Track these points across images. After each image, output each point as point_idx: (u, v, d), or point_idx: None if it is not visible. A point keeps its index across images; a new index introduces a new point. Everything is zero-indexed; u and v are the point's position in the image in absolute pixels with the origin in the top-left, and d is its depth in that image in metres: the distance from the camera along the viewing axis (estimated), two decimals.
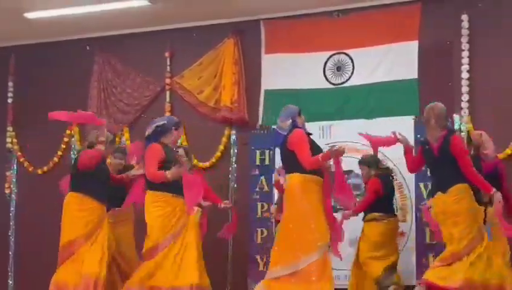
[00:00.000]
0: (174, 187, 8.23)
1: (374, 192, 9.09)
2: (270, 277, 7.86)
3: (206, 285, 8.24)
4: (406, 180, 9.64)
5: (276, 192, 9.93)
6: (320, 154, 7.77)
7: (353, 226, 9.04)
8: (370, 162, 9.31)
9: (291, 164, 7.88)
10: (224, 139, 10.76)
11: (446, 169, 7.80)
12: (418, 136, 9.45)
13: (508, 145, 9.33)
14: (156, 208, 8.25)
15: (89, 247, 8.70)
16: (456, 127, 9.49)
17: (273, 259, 7.96)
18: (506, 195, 8.11)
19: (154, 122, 8.48)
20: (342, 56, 10.29)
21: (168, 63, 11.18)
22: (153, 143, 8.33)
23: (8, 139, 11.97)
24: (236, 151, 10.68)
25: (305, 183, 7.80)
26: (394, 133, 8.20)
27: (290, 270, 7.71)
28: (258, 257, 10.24)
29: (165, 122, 8.53)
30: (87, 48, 11.60)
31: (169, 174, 8.15)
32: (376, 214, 9.10)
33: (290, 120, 7.99)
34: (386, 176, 9.26)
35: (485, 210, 7.97)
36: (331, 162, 7.94)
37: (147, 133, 8.42)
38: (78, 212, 8.83)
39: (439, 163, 7.89)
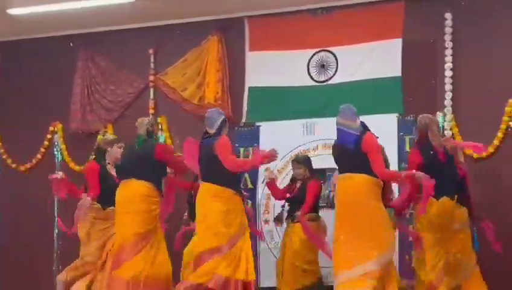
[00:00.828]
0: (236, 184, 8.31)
1: (315, 196, 9.26)
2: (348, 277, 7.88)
3: None
4: None
5: (263, 190, 9.97)
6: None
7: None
8: (306, 162, 9.45)
9: (362, 165, 7.91)
10: None
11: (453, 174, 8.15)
12: (401, 133, 9.49)
13: (491, 143, 9.35)
14: (219, 203, 8.17)
15: None
16: (440, 125, 9.51)
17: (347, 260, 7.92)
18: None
19: (215, 118, 8.46)
20: (326, 54, 10.30)
21: (152, 60, 11.16)
22: (223, 136, 8.33)
23: None
24: None
25: (372, 185, 7.89)
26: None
27: (368, 269, 7.78)
28: None
29: (224, 116, 8.57)
30: (71, 44, 11.58)
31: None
32: (312, 214, 9.24)
33: (359, 121, 8.10)
34: (319, 179, 9.47)
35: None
36: None
37: (215, 129, 8.39)
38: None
39: (446, 168, 8.10)
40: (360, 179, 7.86)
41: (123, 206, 8.53)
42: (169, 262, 8.59)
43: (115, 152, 9.14)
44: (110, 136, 9.34)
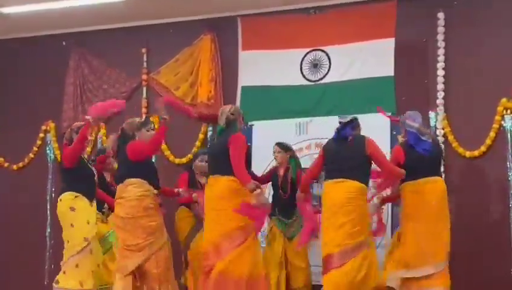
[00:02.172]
0: None
1: None
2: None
3: None
4: None
5: None
6: None
7: None
8: (288, 148, 9.57)
9: (438, 168, 8.37)
10: (201, 136, 10.76)
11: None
12: (394, 133, 9.50)
13: (483, 143, 9.38)
14: None
15: None
16: (432, 124, 9.55)
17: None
18: None
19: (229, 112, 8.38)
20: (319, 53, 10.31)
21: (145, 59, 11.16)
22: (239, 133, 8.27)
23: None
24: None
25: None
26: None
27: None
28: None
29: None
30: (63, 43, 11.56)
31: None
32: None
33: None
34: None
35: None
36: None
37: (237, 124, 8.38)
38: None
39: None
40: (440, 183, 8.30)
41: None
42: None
43: (146, 136, 8.60)
44: (136, 119, 9.02)
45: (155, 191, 8.34)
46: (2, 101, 11.83)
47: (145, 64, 11.16)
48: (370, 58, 9.98)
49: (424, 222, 8.13)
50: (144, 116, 10.29)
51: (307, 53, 10.36)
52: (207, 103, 10.53)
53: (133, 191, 8.25)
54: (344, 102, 10.02)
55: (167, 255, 8.42)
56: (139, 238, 8.21)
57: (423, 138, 8.30)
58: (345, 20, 10.15)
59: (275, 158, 9.54)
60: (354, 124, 8.28)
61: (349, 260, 7.83)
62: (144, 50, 11.15)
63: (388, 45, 9.88)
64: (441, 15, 9.75)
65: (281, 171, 9.42)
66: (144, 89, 11.14)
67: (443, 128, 9.55)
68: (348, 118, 8.26)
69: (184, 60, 10.89)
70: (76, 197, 8.39)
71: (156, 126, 10.61)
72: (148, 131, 8.59)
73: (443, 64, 9.71)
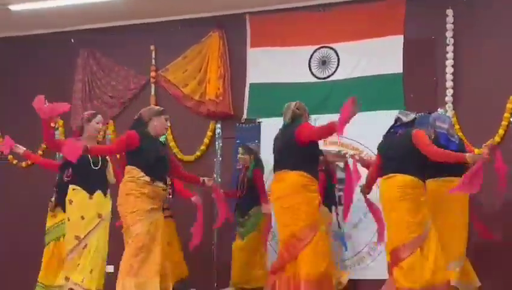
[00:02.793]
0: None
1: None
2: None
3: None
4: None
5: None
6: None
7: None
8: (251, 149, 9.82)
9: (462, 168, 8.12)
10: (209, 133, 10.77)
11: None
12: None
13: (492, 139, 9.36)
14: None
15: None
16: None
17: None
18: None
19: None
20: (327, 50, 10.31)
21: (153, 56, 11.17)
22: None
23: None
24: (221, 144, 10.68)
25: None
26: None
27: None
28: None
29: None
30: (72, 40, 11.57)
31: None
32: None
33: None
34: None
35: None
36: None
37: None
38: None
39: None
40: None
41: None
42: None
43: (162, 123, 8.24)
44: (154, 106, 9.02)
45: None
46: (11, 99, 11.85)
47: (153, 61, 11.17)
48: (378, 56, 9.99)
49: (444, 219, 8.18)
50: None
51: (316, 50, 10.37)
52: (215, 100, 10.53)
53: None
54: None
55: None
56: None
57: (452, 139, 8.34)
58: (353, 17, 10.16)
59: (238, 159, 9.81)
60: (412, 122, 8.16)
61: (415, 251, 7.76)
62: (152, 47, 11.16)
63: (397, 42, 9.89)
64: (449, 12, 9.74)
65: (242, 172, 9.74)
66: (152, 86, 11.15)
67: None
68: (411, 115, 8.15)
69: (192, 57, 10.90)
70: (74, 189, 8.34)
71: None
72: (166, 120, 8.31)
73: (452, 61, 9.71)
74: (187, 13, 10.88)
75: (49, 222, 9.24)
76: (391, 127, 8.15)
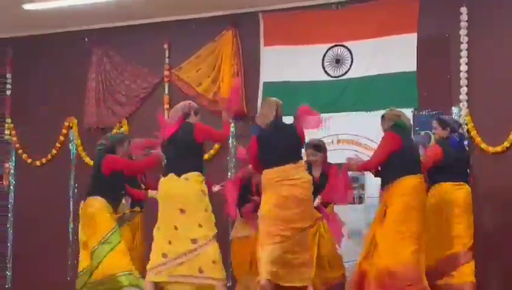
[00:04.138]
0: None
1: None
2: None
3: None
4: None
5: None
6: None
7: (352, 217, 9.09)
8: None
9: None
10: None
11: None
12: (417, 128, 9.46)
13: (507, 138, 9.33)
14: None
15: None
16: (455, 119, 9.51)
17: None
18: None
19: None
20: (341, 48, 10.29)
21: (167, 55, 11.17)
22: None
23: (7, 131, 11.95)
24: (234, 143, 10.68)
25: None
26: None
27: None
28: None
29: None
30: (86, 39, 11.59)
31: None
32: None
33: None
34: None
35: None
36: None
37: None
38: None
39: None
40: None
41: None
42: None
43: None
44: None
45: None
46: (25, 98, 11.88)
47: (167, 60, 11.17)
48: (392, 54, 9.96)
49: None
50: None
51: (329, 48, 10.35)
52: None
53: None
54: (367, 97, 10.00)
55: None
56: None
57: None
58: (367, 15, 10.13)
59: None
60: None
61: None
62: (165, 46, 11.16)
63: (410, 40, 9.86)
64: (463, 10, 9.71)
65: None
66: (166, 85, 11.15)
67: (466, 124, 9.50)
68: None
69: (206, 55, 10.89)
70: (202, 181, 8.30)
71: None
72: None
73: (466, 59, 9.67)
74: (200, 12, 10.87)
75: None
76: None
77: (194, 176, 8.05)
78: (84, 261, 8.52)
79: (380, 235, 7.81)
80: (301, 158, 8.27)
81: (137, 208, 9.33)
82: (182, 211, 7.93)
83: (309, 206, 8.16)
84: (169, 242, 7.95)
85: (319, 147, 9.21)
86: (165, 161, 8.26)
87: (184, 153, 8.08)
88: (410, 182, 7.80)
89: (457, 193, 8.44)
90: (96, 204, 8.42)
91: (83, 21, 11.35)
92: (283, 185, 7.99)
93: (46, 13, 10.94)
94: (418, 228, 7.75)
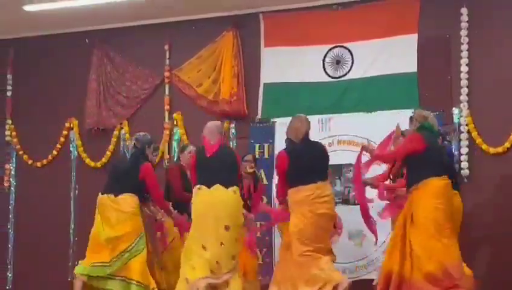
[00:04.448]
0: None
1: None
2: None
3: None
4: None
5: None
6: None
7: (353, 218, 9.08)
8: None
9: None
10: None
11: None
12: None
13: (507, 138, 9.32)
14: None
15: None
16: (456, 120, 9.51)
17: None
18: None
19: None
20: (341, 49, 10.29)
21: (167, 56, 11.17)
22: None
23: (7, 132, 11.94)
24: (235, 144, 10.67)
25: None
26: None
27: None
28: (257, 250, 10.21)
29: None
30: (86, 40, 11.57)
31: None
32: None
33: None
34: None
35: None
36: None
37: None
38: None
39: None
40: None
41: None
42: None
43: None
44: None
45: None
46: (26, 99, 11.86)
47: (167, 61, 11.17)
48: (393, 55, 9.97)
49: None
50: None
51: (330, 49, 10.35)
52: (229, 100, 10.53)
53: None
54: (367, 98, 10.00)
55: None
56: None
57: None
58: (367, 16, 10.13)
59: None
60: None
61: None
62: (166, 47, 11.15)
63: (411, 41, 9.87)
64: (464, 10, 9.71)
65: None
66: (167, 86, 11.15)
67: (467, 125, 9.50)
68: None
69: (206, 56, 10.89)
70: None
71: (179, 123, 10.75)
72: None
73: (466, 60, 9.68)
74: (201, 13, 10.87)
75: None
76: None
77: (237, 190, 8.18)
78: (101, 255, 8.44)
79: (417, 239, 7.70)
80: (327, 176, 8.31)
81: None
82: (227, 227, 8.00)
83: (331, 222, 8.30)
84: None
85: (256, 160, 9.57)
86: (206, 173, 8.25)
87: (229, 169, 8.21)
88: (436, 184, 7.75)
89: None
90: (134, 203, 8.49)
91: (83, 22, 11.34)
92: (317, 203, 8.04)
93: (46, 14, 10.93)
94: (452, 227, 7.73)
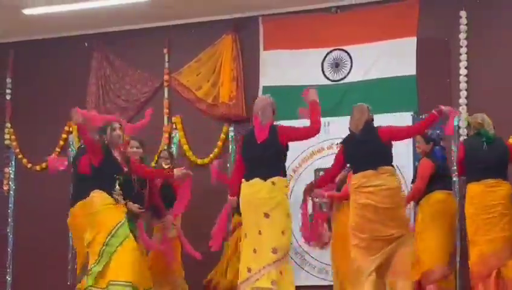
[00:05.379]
0: None
1: None
2: None
3: None
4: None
5: None
6: None
7: None
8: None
9: None
10: (222, 136, 10.76)
11: None
12: None
13: (506, 142, 9.31)
14: None
15: None
16: (455, 123, 9.50)
17: None
18: None
19: None
20: (340, 52, 10.30)
21: (167, 59, 11.18)
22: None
23: (7, 136, 11.94)
24: (234, 147, 10.66)
25: None
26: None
27: None
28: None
29: None
30: (86, 44, 11.59)
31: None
32: None
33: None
34: None
35: None
36: None
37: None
38: None
39: None
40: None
41: None
42: None
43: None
44: None
45: None
46: (25, 102, 11.87)
47: (166, 64, 11.17)
48: (392, 58, 9.97)
49: None
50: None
51: (329, 52, 10.36)
52: (228, 103, 10.53)
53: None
54: (366, 101, 9.88)
55: None
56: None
57: None
58: (366, 19, 10.15)
59: None
60: None
61: None
62: (165, 50, 11.16)
63: (410, 44, 9.88)
64: (463, 13, 9.72)
65: None
66: (166, 89, 11.16)
67: (466, 128, 9.49)
68: None
69: (206, 60, 10.90)
70: (286, 186, 7.96)
71: (179, 126, 10.75)
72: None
73: (465, 63, 9.69)
74: (200, 16, 10.88)
75: None
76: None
77: (280, 181, 7.73)
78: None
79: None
80: (385, 164, 7.89)
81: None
82: (266, 215, 7.60)
83: (391, 215, 7.81)
84: (254, 250, 7.64)
85: (172, 155, 9.79)
86: (249, 163, 7.91)
87: (271, 157, 7.77)
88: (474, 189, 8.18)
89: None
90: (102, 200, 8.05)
91: (82, 26, 11.35)
92: (361, 192, 7.85)
93: (46, 18, 10.95)
94: None
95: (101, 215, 7.95)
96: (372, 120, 8.13)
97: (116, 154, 8.24)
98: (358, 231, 7.84)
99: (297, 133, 7.90)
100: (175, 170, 8.90)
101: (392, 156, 7.97)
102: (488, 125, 8.41)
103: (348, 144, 8.17)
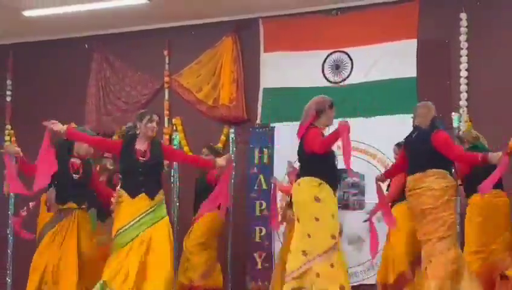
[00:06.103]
0: None
1: None
2: None
3: None
4: None
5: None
6: None
7: (352, 223, 9.07)
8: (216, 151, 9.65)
9: None
10: (222, 138, 10.77)
11: None
12: None
13: (507, 143, 9.31)
14: None
15: None
16: (455, 125, 9.51)
17: None
18: None
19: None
20: (341, 54, 10.31)
21: (167, 61, 11.19)
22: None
23: (7, 138, 11.96)
24: (234, 149, 10.67)
25: None
26: None
27: None
28: (256, 255, 10.23)
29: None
30: (86, 46, 11.61)
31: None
32: None
33: None
34: None
35: None
36: None
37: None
38: None
39: None
40: None
41: None
42: None
43: None
44: None
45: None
46: (26, 104, 11.88)
47: (167, 66, 11.19)
48: (392, 60, 9.98)
49: None
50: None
51: (329, 54, 10.37)
52: (229, 105, 10.54)
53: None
54: (366, 103, 10.01)
55: None
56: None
57: None
58: (367, 21, 10.15)
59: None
60: None
61: None
62: (166, 52, 11.17)
63: (410, 45, 9.88)
64: (463, 15, 9.73)
65: None
66: (166, 91, 11.17)
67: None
68: None
69: (206, 61, 10.91)
70: (320, 184, 7.31)
71: (179, 128, 10.73)
72: None
73: (466, 65, 9.69)
74: (200, 18, 10.89)
75: None
76: None
77: (305, 181, 7.35)
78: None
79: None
80: (433, 166, 7.47)
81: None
82: (297, 219, 7.31)
83: (434, 216, 7.46)
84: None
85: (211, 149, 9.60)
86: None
87: (301, 159, 7.61)
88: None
89: None
90: None
91: (83, 27, 11.36)
92: (409, 196, 7.64)
93: (46, 20, 10.96)
94: None
95: None
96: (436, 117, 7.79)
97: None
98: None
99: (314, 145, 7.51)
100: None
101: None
102: (483, 139, 8.40)
103: (406, 146, 7.85)
